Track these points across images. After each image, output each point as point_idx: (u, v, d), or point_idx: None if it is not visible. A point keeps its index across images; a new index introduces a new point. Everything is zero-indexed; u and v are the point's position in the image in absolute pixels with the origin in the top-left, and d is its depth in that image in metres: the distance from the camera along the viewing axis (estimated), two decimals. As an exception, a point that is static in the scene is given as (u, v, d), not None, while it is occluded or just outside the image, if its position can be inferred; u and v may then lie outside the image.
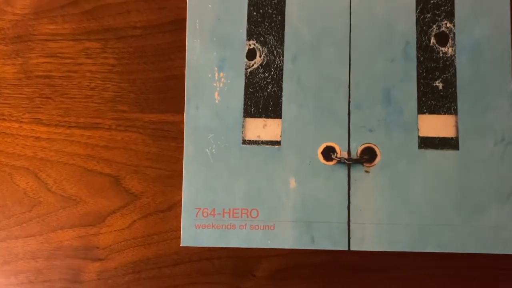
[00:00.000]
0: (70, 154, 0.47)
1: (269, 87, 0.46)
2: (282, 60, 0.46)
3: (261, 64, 0.46)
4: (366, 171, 0.45)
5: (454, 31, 0.46)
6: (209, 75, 0.46)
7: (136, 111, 0.47)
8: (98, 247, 0.46)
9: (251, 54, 0.46)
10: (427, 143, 0.45)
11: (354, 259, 0.45)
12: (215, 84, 0.46)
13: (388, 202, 0.44)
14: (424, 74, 0.45)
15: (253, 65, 0.46)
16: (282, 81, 0.46)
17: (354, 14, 0.46)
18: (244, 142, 0.45)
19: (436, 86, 0.45)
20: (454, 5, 0.46)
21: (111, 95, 0.47)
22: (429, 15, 0.46)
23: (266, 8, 0.46)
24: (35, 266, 0.46)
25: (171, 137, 0.47)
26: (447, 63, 0.46)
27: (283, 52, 0.46)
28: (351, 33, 0.46)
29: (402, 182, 0.44)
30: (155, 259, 0.46)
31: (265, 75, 0.46)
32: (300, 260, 0.46)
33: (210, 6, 0.46)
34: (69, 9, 0.48)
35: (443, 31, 0.46)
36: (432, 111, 0.45)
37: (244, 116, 0.46)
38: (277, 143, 0.45)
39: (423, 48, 0.46)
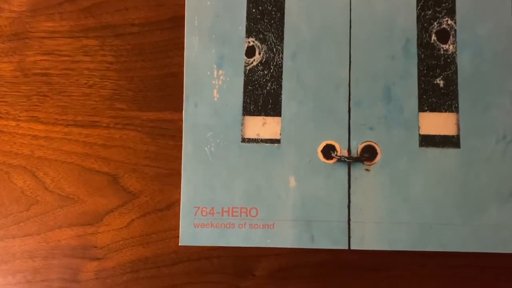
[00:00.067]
0: (68, 153, 0.47)
1: (269, 84, 0.46)
2: (282, 58, 0.46)
3: (260, 62, 0.46)
4: (367, 170, 0.44)
5: (455, 28, 0.46)
6: (208, 73, 0.46)
7: (134, 109, 0.47)
8: (96, 246, 0.46)
9: (250, 52, 0.46)
10: (428, 141, 0.45)
11: (354, 258, 0.45)
12: (214, 82, 0.46)
13: (389, 200, 0.44)
14: (425, 71, 0.45)
15: (252, 62, 0.46)
16: (281, 78, 0.46)
17: (354, 11, 0.46)
18: (244, 140, 0.45)
19: (437, 83, 0.45)
20: (455, 2, 0.46)
21: (109, 93, 0.47)
22: (430, 12, 0.46)
23: (266, 5, 0.46)
24: (33, 266, 0.46)
25: (170, 135, 0.46)
26: (448, 60, 0.45)
27: (282, 49, 0.46)
28: (351, 30, 0.45)
29: (402, 180, 0.44)
30: (153, 259, 0.46)
31: (264, 72, 0.46)
32: (300, 259, 0.45)
33: (208, 3, 0.46)
34: (67, 6, 0.48)
35: (444, 28, 0.46)
36: (433, 109, 0.45)
37: (243, 114, 0.45)
38: (277, 141, 0.45)
39: (423, 45, 0.45)
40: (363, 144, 0.45)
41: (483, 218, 0.44)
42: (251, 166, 0.45)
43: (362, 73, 0.45)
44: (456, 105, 0.45)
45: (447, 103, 0.45)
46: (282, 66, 0.46)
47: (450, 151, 0.44)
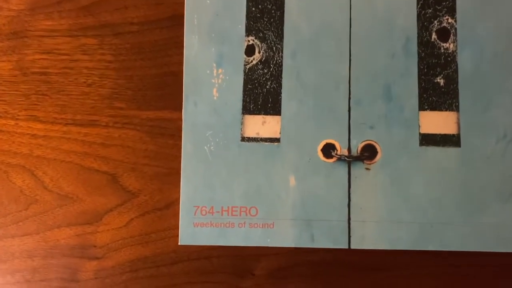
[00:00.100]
0: (67, 152, 0.46)
1: (268, 83, 0.45)
2: (282, 56, 0.46)
3: (260, 60, 0.46)
4: (367, 169, 0.44)
5: (456, 26, 0.45)
6: (208, 72, 0.45)
7: (133, 108, 0.47)
8: (95, 246, 0.46)
9: (250, 50, 0.46)
10: (428, 140, 0.44)
11: (354, 257, 0.45)
12: (213, 81, 0.45)
13: (389, 200, 0.44)
14: (425, 70, 0.45)
15: (252, 61, 0.46)
16: (281, 77, 0.45)
17: (354, 9, 0.45)
18: (243, 139, 0.45)
19: (438, 82, 0.45)
20: (455, 0, 0.45)
21: (108, 92, 0.47)
22: (430, 10, 0.46)
23: (265, 3, 0.46)
24: (32, 265, 0.46)
25: (169, 134, 0.46)
26: (449, 59, 0.45)
27: (282, 48, 0.46)
28: (351, 28, 0.45)
29: (403, 179, 0.44)
30: (153, 258, 0.46)
31: (264, 71, 0.46)
32: (299, 258, 0.45)
33: (208, 1, 0.46)
34: (66, 4, 0.47)
35: (444, 26, 0.45)
36: (433, 108, 0.45)
37: (243, 113, 0.45)
38: (277, 140, 0.45)
39: (424, 43, 0.45)
40: (363, 143, 0.45)
41: (483, 217, 0.44)
42: (251, 165, 0.45)
43: (362, 72, 0.45)
44: (457, 104, 0.45)
45: (447, 102, 0.45)
46: (282, 65, 0.45)
47: (451, 150, 0.44)
